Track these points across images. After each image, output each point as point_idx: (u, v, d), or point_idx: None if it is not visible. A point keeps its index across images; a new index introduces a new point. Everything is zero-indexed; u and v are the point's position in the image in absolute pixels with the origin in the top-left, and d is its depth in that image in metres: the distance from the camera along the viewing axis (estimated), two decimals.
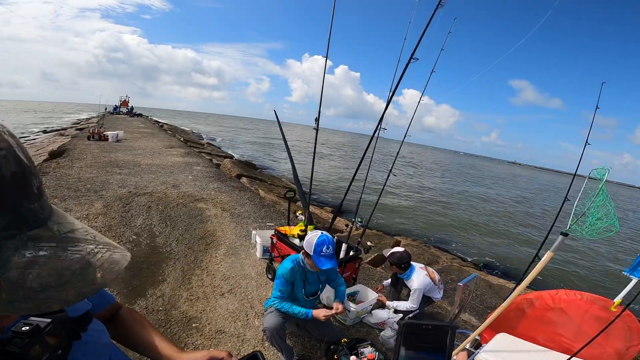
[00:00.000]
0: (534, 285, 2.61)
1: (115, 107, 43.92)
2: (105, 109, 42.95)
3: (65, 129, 23.41)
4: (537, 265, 1.75)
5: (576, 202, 1.87)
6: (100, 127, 14.84)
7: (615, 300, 1.95)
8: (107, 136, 12.83)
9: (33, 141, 16.85)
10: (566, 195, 2.52)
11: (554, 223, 2.65)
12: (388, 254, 3.17)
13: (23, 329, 0.44)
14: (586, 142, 2.65)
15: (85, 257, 0.37)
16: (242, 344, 2.58)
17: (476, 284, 2.38)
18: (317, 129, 2.82)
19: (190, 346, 2.48)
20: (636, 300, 1.65)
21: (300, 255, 2.27)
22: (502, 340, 2.08)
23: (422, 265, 3.24)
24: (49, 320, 0.48)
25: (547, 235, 2.67)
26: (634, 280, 1.88)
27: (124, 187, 6.27)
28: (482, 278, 6.06)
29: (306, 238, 2.19)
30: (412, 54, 2.38)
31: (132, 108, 43.78)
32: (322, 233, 2.17)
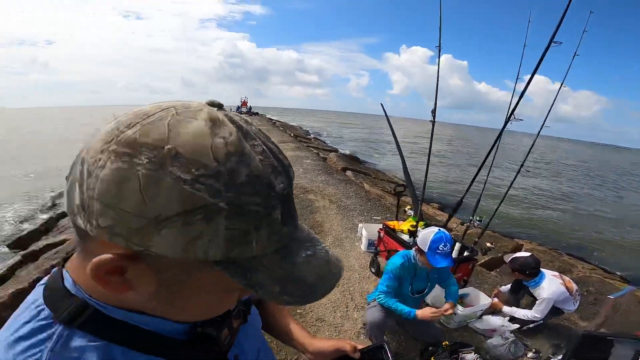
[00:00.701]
0: None
1: (237, 108, 50.21)
2: (230, 109, 49.38)
3: None
4: None
5: None
6: None
7: None
8: None
9: None
10: None
11: None
12: (509, 259, 2.83)
13: None
14: None
15: (326, 254, 0.41)
16: (339, 334, 2.66)
17: (628, 299, 1.92)
18: (433, 122, 2.68)
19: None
20: None
21: (412, 252, 2.21)
22: None
23: (556, 273, 2.81)
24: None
25: None
26: None
27: None
28: (634, 292, 4.85)
29: (421, 234, 2.12)
30: (553, 37, 2.04)
31: (250, 108, 49.50)
32: (439, 229, 2.08)
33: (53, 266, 0.45)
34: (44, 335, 0.35)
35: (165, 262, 0.32)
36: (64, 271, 0.40)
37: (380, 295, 2.19)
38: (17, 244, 5.77)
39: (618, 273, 6.91)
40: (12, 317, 0.38)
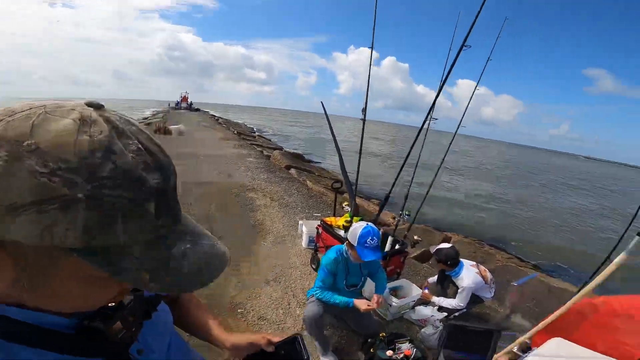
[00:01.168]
0: (602, 292, 2.35)
1: (177, 103, 47.36)
2: (169, 104, 46.51)
3: None
4: (607, 269, 1.59)
5: None
6: (165, 122, 16.20)
7: None
8: (171, 130, 14.00)
9: None
10: None
11: (631, 222, 2.35)
12: (434, 250, 3.07)
13: (109, 304, 0.47)
14: None
15: (210, 249, 0.43)
16: (282, 332, 2.67)
17: (534, 285, 2.21)
18: (364, 120, 2.79)
19: (234, 331, 2.66)
20: None
21: (344, 246, 2.26)
22: (555, 345, 1.92)
23: (473, 263, 3.10)
24: (131, 297, 0.52)
25: (622, 237, 2.38)
26: None
27: (185, 177, 6.80)
28: (541, 280, 5.61)
29: (351, 229, 2.16)
30: (464, 42, 2.24)
31: (191, 103, 46.97)
32: (367, 224, 2.13)
33: None
34: None
35: (23, 249, 0.33)
36: None
37: (317, 291, 2.22)
38: None
39: (531, 262, 7.89)
40: None
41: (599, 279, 1.65)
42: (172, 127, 14.20)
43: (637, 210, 2.25)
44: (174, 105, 46.97)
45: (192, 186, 6.19)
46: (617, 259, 1.62)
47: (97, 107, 0.36)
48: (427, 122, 2.51)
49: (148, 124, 20.82)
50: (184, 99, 48.16)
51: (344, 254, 2.25)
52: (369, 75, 2.75)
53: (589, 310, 2.01)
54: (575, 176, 40.23)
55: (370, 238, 2.06)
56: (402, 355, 2.30)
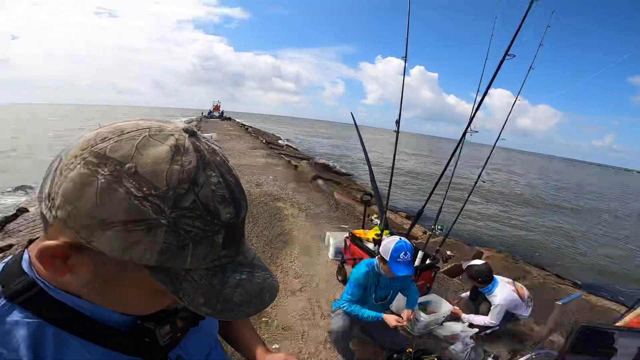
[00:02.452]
0: None
1: (209, 112, 49.15)
2: (202, 113, 48.39)
3: None
4: None
5: None
6: (199, 131, 16.86)
7: None
8: None
9: None
10: None
11: None
12: (465, 266, 2.95)
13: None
14: None
15: (263, 281, 0.45)
16: (305, 343, 2.64)
17: (578, 304, 2.04)
18: (397, 132, 2.75)
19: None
20: None
21: (375, 260, 2.23)
22: None
23: (510, 280, 2.94)
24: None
25: None
26: None
27: None
28: (584, 298, 5.20)
29: (383, 243, 2.13)
30: (507, 50, 2.15)
31: (222, 112, 48.61)
32: (400, 239, 2.10)
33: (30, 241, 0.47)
34: None
35: (104, 258, 0.36)
36: (25, 252, 0.45)
37: (345, 304, 2.20)
38: None
39: (570, 279, 7.37)
40: None
41: None
42: (205, 135, 14.72)
43: None
44: (206, 114, 48.74)
45: None
46: None
47: (191, 134, 0.40)
48: (466, 134, 2.42)
49: None
50: (216, 107, 49.85)
51: (375, 268, 2.22)
52: (403, 86, 2.70)
53: None
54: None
55: (403, 253, 2.02)
56: None
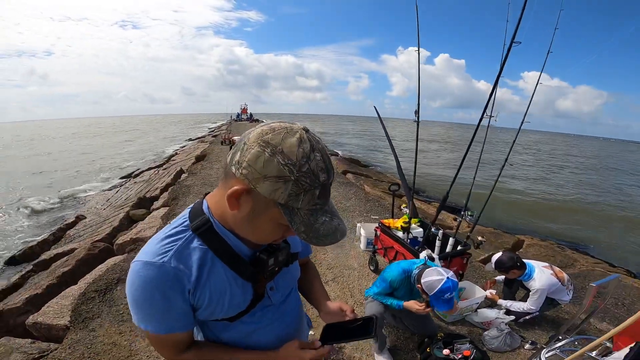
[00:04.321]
0: None
1: (238, 115, 50.31)
2: (230, 117, 49.75)
3: (204, 136, 28.57)
4: None
5: None
6: (229, 133, 17.51)
7: None
8: (234, 140, 15.07)
9: (183, 148, 20.98)
10: None
11: None
12: (493, 263, 2.91)
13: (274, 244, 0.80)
14: None
15: (338, 225, 0.67)
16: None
17: (617, 286, 1.98)
18: (417, 122, 2.80)
19: None
20: None
21: (415, 273, 2.18)
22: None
23: (547, 264, 2.88)
24: (284, 245, 0.83)
25: None
26: None
27: None
28: (627, 281, 4.89)
29: (429, 278, 2.02)
30: (513, 38, 2.16)
31: (251, 114, 49.72)
32: (447, 279, 1.97)
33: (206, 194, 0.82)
34: (180, 236, 0.70)
35: (260, 197, 0.62)
36: (204, 199, 0.76)
37: (376, 296, 2.33)
38: (28, 254, 5.92)
39: (623, 268, 6.86)
40: (171, 222, 0.75)
41: None
42: (234, 137, 15.33)
43: None
44: (235, 117, 49.97)
45: None
46: None
47: (306, 130, 0.65)
48: (483, 119, 2.44)
49: (215, 136, 22.66)
50: (244, 110, 50.95)
51: (412, 280, 2.20)
52: (419, 76, 2.75)
53: None
54: None
55: (449, 294, 1.95)
56: (460, 356, 2.25)
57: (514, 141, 3.01)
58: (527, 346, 2.60)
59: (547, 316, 2.99)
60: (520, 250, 6.28)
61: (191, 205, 0.77)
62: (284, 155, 0.59)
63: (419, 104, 2.72)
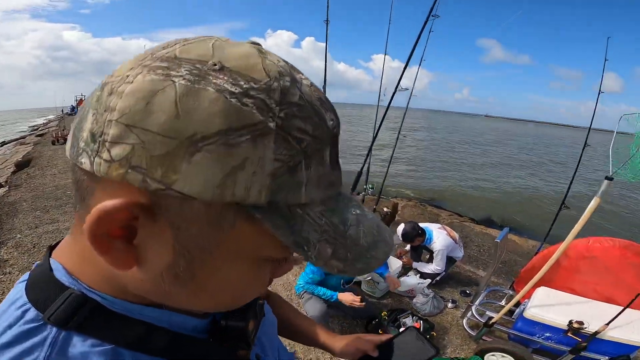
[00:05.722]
0: (553, 240, 2.61)
1: (72, 108, 41.22)
2: (62, 110, 40.64)
3: (24, 137, 21.66)
4: (586, 212, 1.70)
5: (611, 146, 1.81)
6: (63, 130, 13.86)
7: None
8: None
9: None
10: (585, 142, 2.48)
11: (576, 170, 2.63)
12: (400, 236, 3.06)
13: None
14: (599, 91, 2.70)
15: (374, 217, 0.33)
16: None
17: (507, 239, 2.35)
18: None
19: None
20: None
21: None
22: (544, 294, 2.07)
23: (440, 226, 3.19)
24: None
25: (571, 183, 2.65)
26: None
27: None
28: (476, 228, 6.11)
29: None
30: (430, 12, 2.24)
31: None
32: None
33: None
34: (34, 341, 0.27)
35: (191, 210, 0.24)
36: (51, 260, 0.32)
37: (306, 285, 2.21)
38: None
39: (469, 216, 8.56)
40: None
41: (580, 223, 1.74)
42: None
43: (580, 158, 2.50)
44: (69, 111, 40.81)
45: None
46: (592, 203, 1.73)
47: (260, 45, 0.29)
48: (384, 99, 2.49)
49: (42, 135, 17.64)
50: (80, 102, 42.01)
51: None
52: (326, 46, 2.58)
53: (560, 257, 2.15)
54: (481, 134, 45.50)
55: None
56: None
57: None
58: (449, 305, 2.84)
59: (451, 274, 3.36)
60: (399, 212, 7.11)
61: (21, 280, 0.32)
62: (231, 72, 0.24)
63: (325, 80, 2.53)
